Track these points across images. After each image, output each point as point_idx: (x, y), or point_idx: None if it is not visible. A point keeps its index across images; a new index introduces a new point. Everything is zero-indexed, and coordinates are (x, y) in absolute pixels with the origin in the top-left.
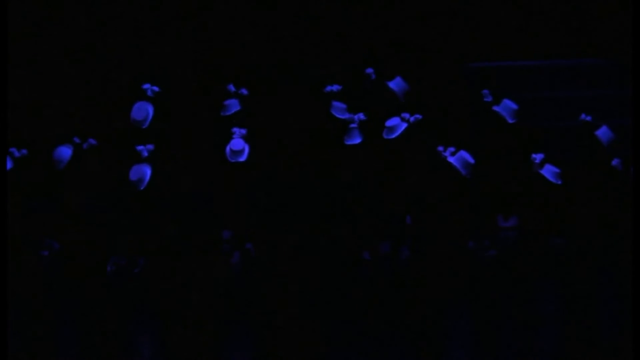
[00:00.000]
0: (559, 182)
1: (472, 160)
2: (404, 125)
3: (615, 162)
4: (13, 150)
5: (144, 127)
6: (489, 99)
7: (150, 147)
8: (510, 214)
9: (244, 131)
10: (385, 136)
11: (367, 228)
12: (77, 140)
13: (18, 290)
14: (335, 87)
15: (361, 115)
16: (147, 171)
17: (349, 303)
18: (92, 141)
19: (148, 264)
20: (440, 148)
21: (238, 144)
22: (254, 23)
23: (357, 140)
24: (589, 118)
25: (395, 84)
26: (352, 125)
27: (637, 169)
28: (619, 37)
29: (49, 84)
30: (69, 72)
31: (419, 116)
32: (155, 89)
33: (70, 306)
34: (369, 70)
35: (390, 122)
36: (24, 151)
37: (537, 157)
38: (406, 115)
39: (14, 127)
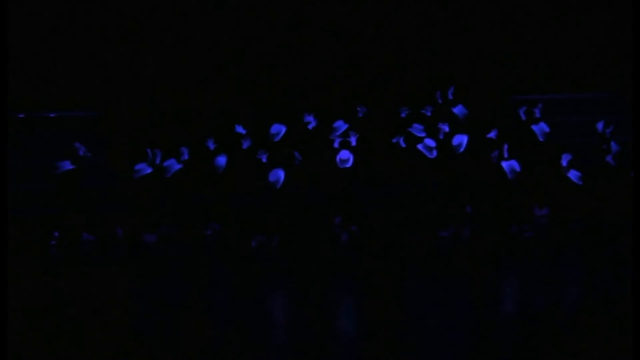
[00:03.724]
0: (581, 183)
1: (517, 167)
2: (466, 140)
3: (619, 168)
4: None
5: (276, 140)
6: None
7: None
8: (543, 205)
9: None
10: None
11: (439, 215)
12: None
13: (185, 261)
14: (410, 112)
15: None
16: (282, 174)
17: (425, 264)
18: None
19: (281, 241)
20: (494, 157)
21: (345, 154)
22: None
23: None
24: (604, 130)
25: (458, 110)
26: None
27: (637, 169)
28: (621, 76)
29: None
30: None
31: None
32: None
33: (224, 272)
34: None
35: (456, 140)
36: (186, 156)
37: (565, 163)
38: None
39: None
